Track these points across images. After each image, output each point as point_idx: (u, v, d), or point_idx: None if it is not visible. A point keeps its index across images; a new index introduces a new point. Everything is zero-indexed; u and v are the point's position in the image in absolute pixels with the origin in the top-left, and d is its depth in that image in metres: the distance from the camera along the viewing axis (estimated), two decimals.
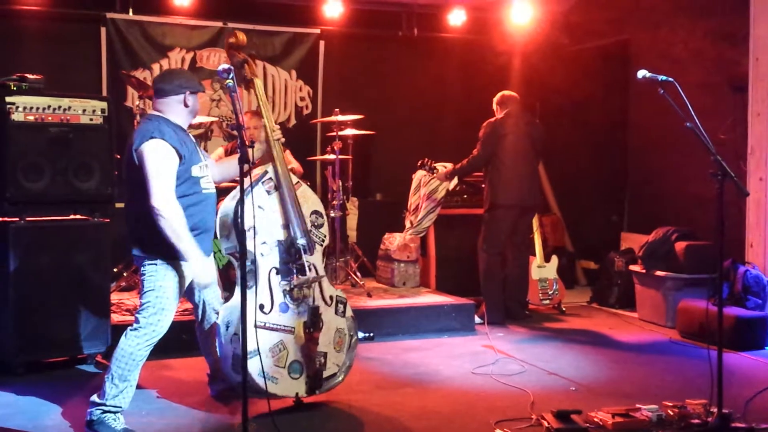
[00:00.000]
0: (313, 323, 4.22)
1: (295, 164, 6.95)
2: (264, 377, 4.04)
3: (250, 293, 4.09)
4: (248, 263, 4.10)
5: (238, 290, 4.04)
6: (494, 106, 6.84)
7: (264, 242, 4.17)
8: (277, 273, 4.19)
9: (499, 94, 6.85)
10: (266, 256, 4.16)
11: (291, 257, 4.22)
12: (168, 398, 4.54)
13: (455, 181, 7.03)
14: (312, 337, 4.21)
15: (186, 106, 4.05)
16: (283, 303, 4.17)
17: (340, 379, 4.40)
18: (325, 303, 4.37)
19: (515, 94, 6.83)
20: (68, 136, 5.06)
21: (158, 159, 3.83)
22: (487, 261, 6.65)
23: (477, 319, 6.50)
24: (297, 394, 4.19)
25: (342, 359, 4.41)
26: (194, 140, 4.15)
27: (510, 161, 6.56)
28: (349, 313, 4.49)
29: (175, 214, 3.84)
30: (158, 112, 4.05)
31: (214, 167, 4.32)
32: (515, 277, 6.81)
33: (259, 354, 3.90)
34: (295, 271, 4.23)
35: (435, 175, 6.85)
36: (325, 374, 4.30)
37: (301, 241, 4.24)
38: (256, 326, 4.05)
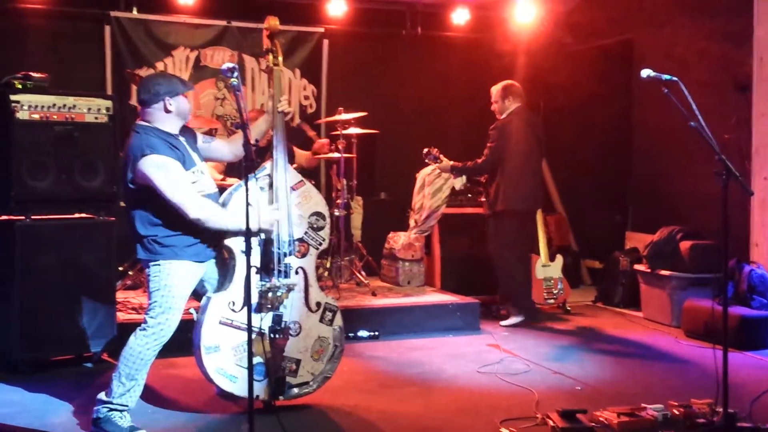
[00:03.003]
0: (274, 330, 4.16)
1: (303, 156, 6.97)
2: (223, 375, 4.04)
3: (225, 290, 4.10)
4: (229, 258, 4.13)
5: (230, 283, 4.09)
6: (498, 94, 6.60)
7: None
8: (257, 272, 4.11)
9: (506, 83, 6.62)
10: None
11: (271, 259, 4.17)
12: (174, 397, 4.55)
13: (463, 179, 6.93)
14: (275, 343, 4.16)
15: (167, 112, 3.98)
16: (256, 303, 4.10)
17: (313, 388, 4.31)
18: (309, 309, 4.30)
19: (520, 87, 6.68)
20: (73, 134, 5.07)
21: (163, 173, 3.81)
22: (513, 265, 6.54)
23: (510, 321, 6.47)
24: (258, 396, 4.10)
25: (319, 369, 4.32)
26: (186, 142, 4.07)
27: (520, 165, 6.43)
28: (338, 322, 4.38)
29: (212, 212, 3.91)
30: (145, 122, 4.01)
31: (225, 147, 4.33)
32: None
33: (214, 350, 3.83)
34: (276, 273, 4.18)
35: (438, 165, 6.68)
36: (296, 381, 4.24)
37: (283, 246, 4.18)
38: (221, 323, 4.04)
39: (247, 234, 3.56)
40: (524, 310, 6.53)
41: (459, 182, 7.01)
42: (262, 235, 4.13)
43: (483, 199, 6.83)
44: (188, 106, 4.08)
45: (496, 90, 6.66)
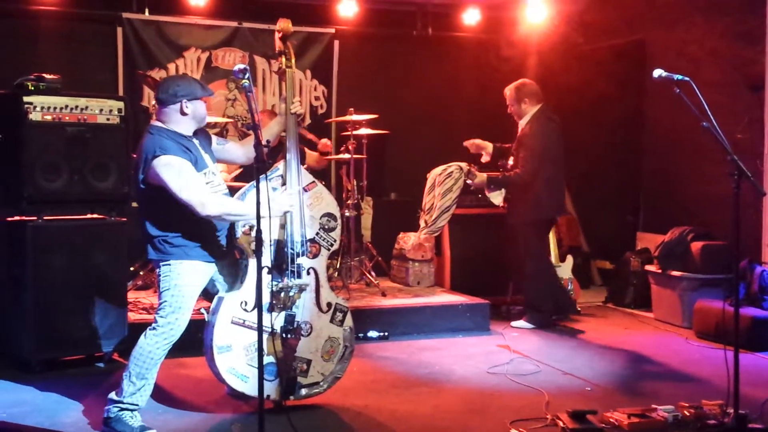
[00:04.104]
0: (287, 330, 4.18)
1: (312, 158, 6.97)
2: (234, 375, 4.06)
3: (237, 290, 4.13)
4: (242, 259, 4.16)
5: (242, 283, 4.12)
6: (512, 96, 6.41)
7: None
8: (269, 272, 4.13)
9: (518, 84, 6.43)
10: None
11: (283, 259, 4.19)
12: (184, 396, 4.57)
13: (503, 193, 6.54)
14: (287, 343, 4.18)
15: (183, 114, 4.00)
16: (268, 303, 4.11)
17: (323, 388, 4.33)
18: (320, 310, 4.32)
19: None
20: (85, 135, 5.09)
21: (174, 173, 3.84)
22: (539, 267, 6.47)
23: (527, 324, 6.43)
24: (269, 396, 4.12)
25: (329, 369, 4.33)
26: (199, 144, 4.09)
27: (555, 171, 6.33)
28: (348, 323, 4.40)
29: (225, 206, 3.93)
30: (159, 122, 4.04)
31: (238, 149, 4.36)
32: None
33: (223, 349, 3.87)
34: (288, 273, 4.19)
35: (475, 181, 6.48)
36: (306, 381, 4.26)
37: (296, 246, 4.20)
38: (233, 322, 4.06)
39: (258, 235, 3.57)
40: (542, 316, 6.46)
41: (498, 197, 6.57)
42: (275, 237, 4.14)
43: (504, 205, 6.64)
44: (205, 111, 4.10)
45: (509, 92, 6.47)
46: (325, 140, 7.07)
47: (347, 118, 7.04)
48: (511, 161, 6.55)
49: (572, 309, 6.73)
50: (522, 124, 6.45)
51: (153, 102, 6.76)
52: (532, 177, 6.28)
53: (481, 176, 6.47)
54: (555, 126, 6.46)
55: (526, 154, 6.29)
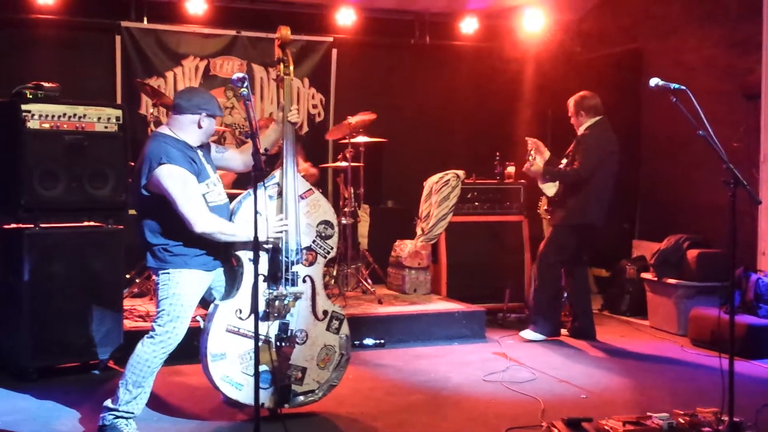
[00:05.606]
0: (280, 339, 4.19)
1: (305, 166, 6.96)
2: (229, 383, 4.06)
3: (232, 298, 4.13)
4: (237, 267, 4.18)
5: (237, 291, 4.12)
6: (571, 109, 6.37)
7: None
8: (264, 280, 4.13)
9: (577, 97, 6.36)
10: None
11: (278, 267, 4.20)
12: (179, 404, 4.57)
13: (556, 185, 6.40)
14: (281, 351, 4.19)
15: (200, 127, 4.05)
16: (263, 311, 4.12)
17: (318, 396, 4.33)
18: (316, 318, 4.32)
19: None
20: (83, 143, 5.10)
21: (178, 185, 3.86)
22: (556, 275, 6.40)
23: (532, 335, 6.35)
24: (263, 404, 4.11)
25: (325, 377, 4.34)
26: (202, 154, 4.11)
27: (602, 180, 6.21)
28: (344, 331, 4.40)
29: (218, 226, 3.95)
30: (168, 127, 4.06)
31: (237, 157, 4.37)
32: (584, 293, 6.56)
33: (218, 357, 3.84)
34: (284, 281, 4.20)
35: (529, 167, 6.38)
36: (301, 389, 4.27)
37: (291, 255, 4.21)
38: (228, 330, 4.07)
39: (255, 243, 3.59)
40: (551, 325, 6.40)
41: (551, 188, 6.45)
42: (269, 246, 4.16)
43: (546, 208, 6.58)
44: (214, 129, 4.16)
45: (570, 103, 6.43)
46: (307, 165, 7.03)
47: (347, 121, 7.01)
48: (564, 162, 6.41)
49: (592, 335, 6.44)
50: (581, 130, 6.35)
51: (151, 110, 6.85)
52: (588, 174, 6.16)
53: (538, 165, 6.38)
54: (612, 137, 6.34)
55: (584, 152, 6.20)
